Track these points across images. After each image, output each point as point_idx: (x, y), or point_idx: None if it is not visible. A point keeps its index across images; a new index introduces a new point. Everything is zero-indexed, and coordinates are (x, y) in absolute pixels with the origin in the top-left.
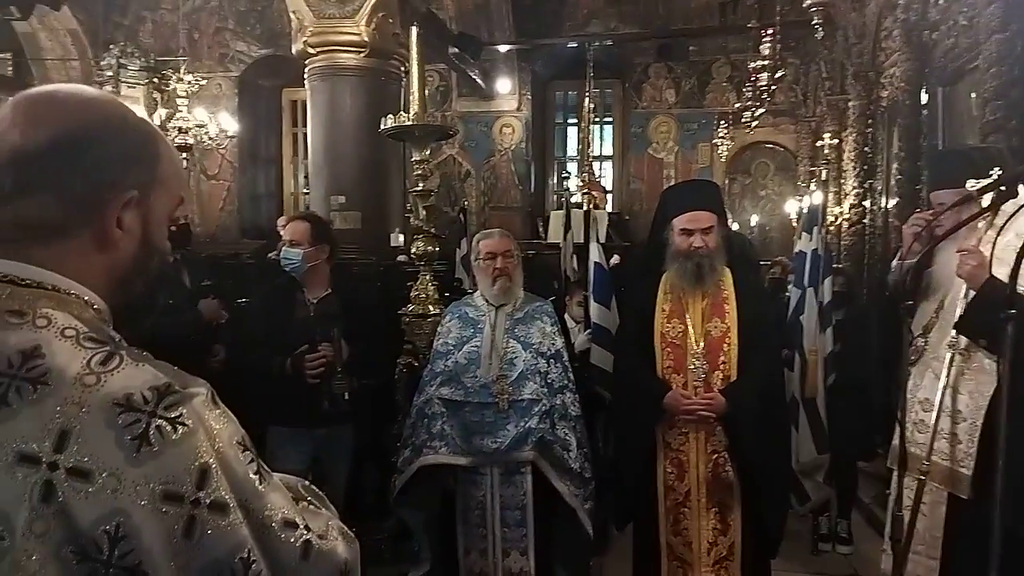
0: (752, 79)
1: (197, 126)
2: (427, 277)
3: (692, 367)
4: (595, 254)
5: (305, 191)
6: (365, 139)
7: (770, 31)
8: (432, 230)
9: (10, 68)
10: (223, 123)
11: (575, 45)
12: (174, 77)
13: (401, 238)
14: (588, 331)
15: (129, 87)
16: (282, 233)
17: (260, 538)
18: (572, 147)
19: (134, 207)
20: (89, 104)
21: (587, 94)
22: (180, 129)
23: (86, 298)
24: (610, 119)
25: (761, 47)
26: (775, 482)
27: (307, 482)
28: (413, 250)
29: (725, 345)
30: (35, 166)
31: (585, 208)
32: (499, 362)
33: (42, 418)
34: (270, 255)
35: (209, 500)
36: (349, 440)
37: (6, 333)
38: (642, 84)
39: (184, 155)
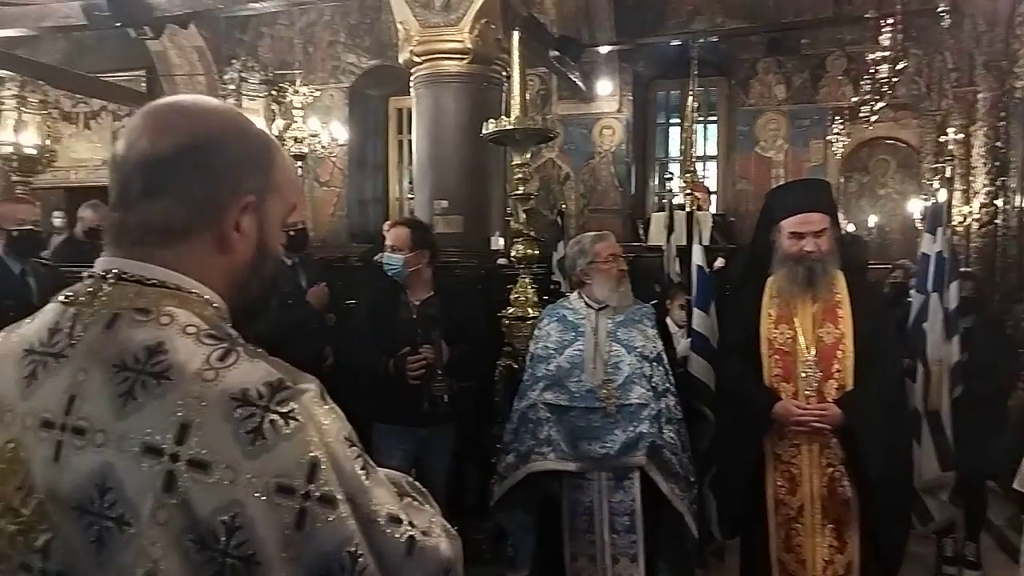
0: (870, 71)
1: (311, 135)
2: (527, 280)
3: (804, 375)
4: (698, 257)
5: (410, 196)
6: (467, 144)
7: (891, 20)
8: (532, 233)
9: (143, 84)
10: (335, 132)
11: (679, 43)
12: (290, 89)
13: (501, 241)
14: (690, 337)
15: (250, 99)
16: (386, 237)
17: (367, 532)
18: (674, 147)
19: (251, 211)
20: (210, 113)
21: (691, 92)
22: (296, 139)
23: (206, 296)
24: (714, 118)
25: (880, 37)
26: (895, 500)
27: (411, 478)
28: (513, 253)
29: (839, 352)
30: (161, 171)
31: (688, 210)
32: (603, 366)
33: (165, 411)
34: (375, 258)
35: (319, 493)
36: (449, 440)
37: (133, 330)
38: (749, 80)
39: (299, 163)
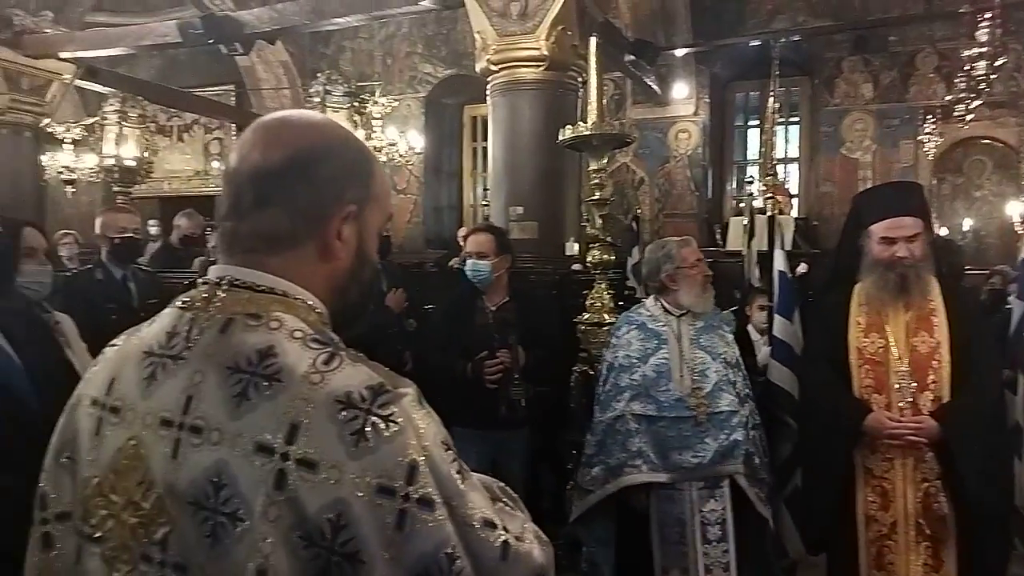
0: (965, 68)
1: (389, 144)
2: (603, 286)
3: (897, 387)
4: (780, 262)
5: (484, 203)
6: (542, 150)
7: (988, 15)
8: (608, 239)
9: (233, 98)
10: (412, 141)
11: (758, 43)
12: (370, 100)
13: (576, 247)
14: (771, 344)
15: (333, 111)
16: (462, 243)
17: (463, 536)
18: (753, 150)
19: (352, 220)
20: (315, 128)
21: (771, 93)
22: (375, 148)
23: (310, 302)
24: (796, 119)
25: (977, 33)
26: (995, 518)
27: (502, 484)
28: (589, 259)
29: (934, 363)
30: (270, 183)
31: (769, 213)
32: (690, 373)
33: (276, 412)
34: (451, 263)
35: (418, 495)
36: (525, 445)
37: (246, 334)
38: (834, 80)
39: None
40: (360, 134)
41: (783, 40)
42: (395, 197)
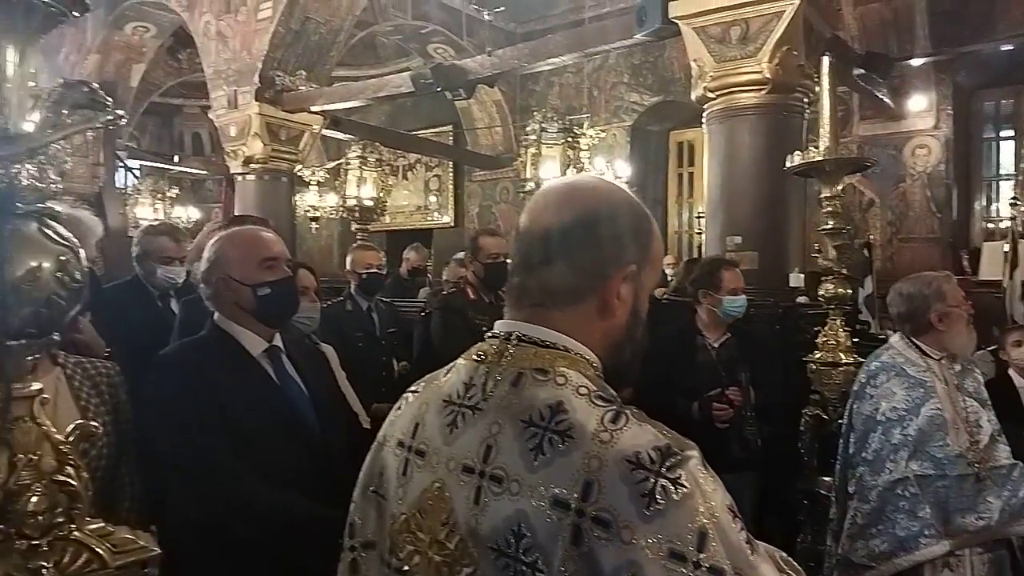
0: None
1: (597, 175)
2: (837, 322)
3: None
4: None
5: (698, 231)
6: (763, 177)
7: None
8: (843, 271)
9: (450, 137)
10: (618, 170)
11: (1011, 47)
12: (581, 133)
13: (801, 278)
14: None
15: (548, 147)
16: (668, 271)
17: None
18: (1007, 164)
19: (631, 280)
20: (601, 191)
21: None
22: None
23: (588, 357)
24: None
25: None
26: None
27: (784, 553)
28: (821, 292)
29: None
30: (559, 241)
31: None
32: (964, 425)
33: (570, 468)
34: (663, 296)
35: (708, 564)
36: (754, 489)
37: (536, 388)
38: None
39: None
40: (572, 171)
41: None
42: None
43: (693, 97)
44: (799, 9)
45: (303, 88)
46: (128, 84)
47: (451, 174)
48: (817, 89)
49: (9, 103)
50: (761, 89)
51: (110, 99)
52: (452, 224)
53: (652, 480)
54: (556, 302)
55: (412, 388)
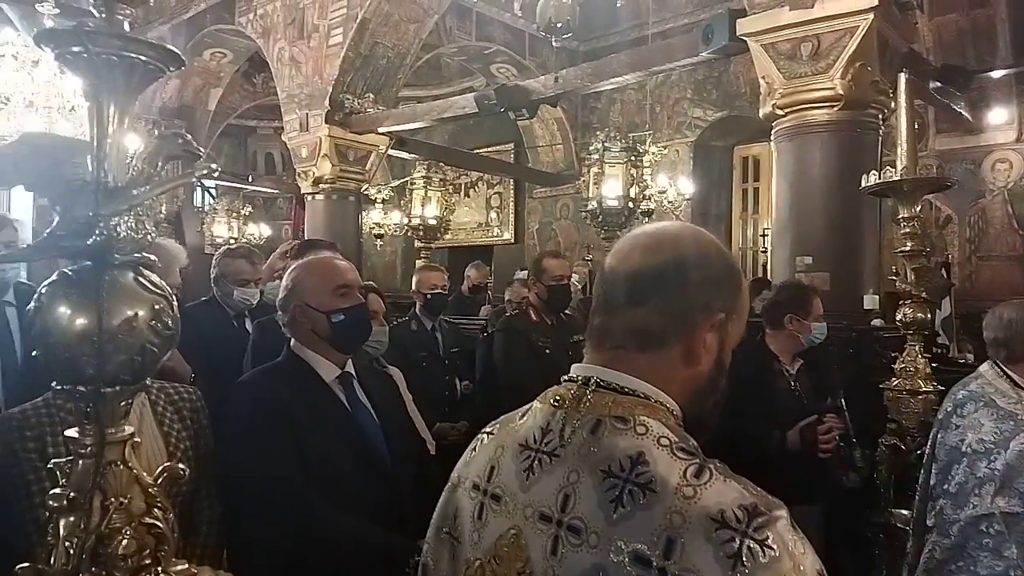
0: None
1: (659, 192)
2: (916, 348)
3: None
4: None
5: (763, 249)
6: (835, 195)
7: None
8: (922, 294)
9: (512, 155)
10: (681, 187)
11: None
12: (643, 150)
13: (876, 300)
14: None
15: (611, 166)
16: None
17: None
18: None
19: (717, 329)
20: (691, 237)
21: None
22: (646, 196)
23: (668, 406)
24: None
25: None
26: None
27: None
28: (899, 317)
29: None
30: (646, 283)
31: None
32: None
33: (651, 524)
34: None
35: None
36: (822, 521)
37: (615, 438)
38: None
39: (646, 220)
40: (635, 190)
41: None
42: None
43: (761, 114)
44: (872, 24)
45: (371, 110)
46: (206, 108)
47: (512, 191)
48: (893, 105)
49: (110, 158)
50: (834, 106)
51: (202, 149)
52: (512, 240)
53: (738, 541)
54: (640, 345)
55: (487, 429)
